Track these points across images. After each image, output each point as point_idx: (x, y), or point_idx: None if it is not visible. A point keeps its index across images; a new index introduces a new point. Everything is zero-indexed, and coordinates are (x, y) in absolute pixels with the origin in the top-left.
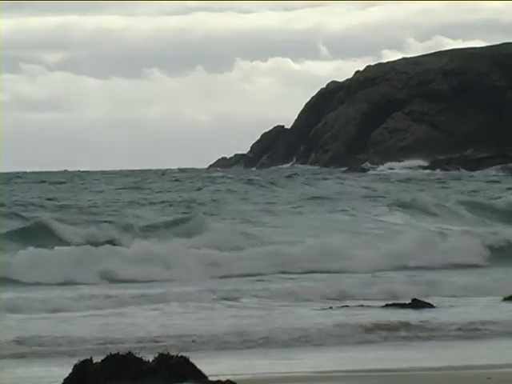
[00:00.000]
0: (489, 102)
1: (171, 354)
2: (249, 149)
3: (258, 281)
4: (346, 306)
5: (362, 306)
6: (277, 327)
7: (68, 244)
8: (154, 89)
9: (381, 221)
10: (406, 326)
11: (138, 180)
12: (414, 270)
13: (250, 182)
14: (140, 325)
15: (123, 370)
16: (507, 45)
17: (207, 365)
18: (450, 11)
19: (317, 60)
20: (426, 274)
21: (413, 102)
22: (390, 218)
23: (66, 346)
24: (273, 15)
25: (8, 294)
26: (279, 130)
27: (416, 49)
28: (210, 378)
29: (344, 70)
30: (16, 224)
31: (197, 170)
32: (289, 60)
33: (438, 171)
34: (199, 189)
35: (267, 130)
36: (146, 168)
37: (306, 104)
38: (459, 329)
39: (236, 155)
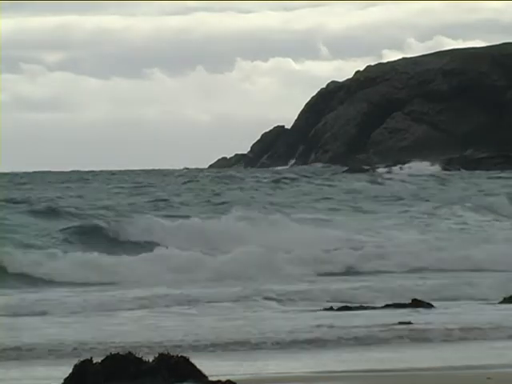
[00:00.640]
0: (489, 102)
1: (171, 354)
2: (249, 149)
3: None
4: (346, 306)
5: (362, 306)
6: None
7: None
8: (155, 89)
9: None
10: (406, 325)
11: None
12: None
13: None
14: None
15: (123, 370)
16: (507, 45)
17: (207, 365)
18: (450, 11)
19: (317, 60)
20: None
21: (413, 102)
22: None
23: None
24: (273, 15)
25: None
26: (279, 130)
27: (416, 49)
28: (210, 378)
29: (344, 69)
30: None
31: (199, 169)
32: (290, 60)
33: (453, 171)
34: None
35: (267, 130)
36: (147, 168)
37: (306, 104)
38: (461, 329)
39: (236, 155)
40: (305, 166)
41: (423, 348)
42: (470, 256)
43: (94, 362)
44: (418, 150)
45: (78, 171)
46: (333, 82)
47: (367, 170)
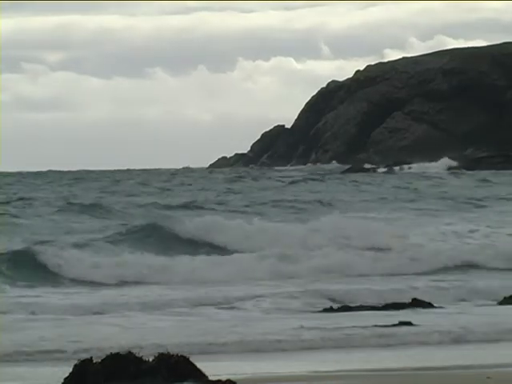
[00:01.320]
0: (489, 102)
1: (171, 353)
2: (249, 148)
3: None
4: (347, 306)
5: (362, 305)
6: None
7: None
8: (156, 88)
9: None
10: (406, 325)
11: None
12: None
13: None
14: None
15: (123, 370)
16: (507, 44)
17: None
18: (450, 11)
19: (319, 59)
20: None
21: (413, 102)
22: None
23: None
24: (274, 15)
25: None
26: (279, 129)
27: (418, 48)
28: (210, 378)
29: (346, 69)
30: None
31: (200, 169)
32: (291, 59)
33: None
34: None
35: (267, 130)
36: (147, 167)
37: (307, 103)
38: (461, 328)
39: (236, 155)
40: (313, 166)
41: (423, 348)
42: None
43: (94, 361)
44: (417, 150)
45: (85, 170)
46: (333, 81)
47: (368, 170)
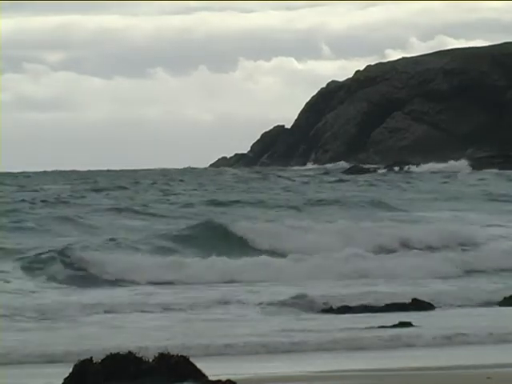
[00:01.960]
0: (489, 102)
1: (171, 353)
2: (249, 148)
3: None
4: (347, 305)
5: (362, 305)
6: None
7: None
8: (157, 88)
9: None
10: (405, 325)
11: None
12: None
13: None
14: None
15: (123, 370)
16: (508, 44)
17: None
18: (450, 11)
19: (320, 60)
20: None
21: (413, 102)
22: None
23: None
24: (275, 15)
25: None
26: (279, 129)
27: (419, 48)
28: (210, 378)
29: (348, 69)
30: None
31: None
32: (292, 59)
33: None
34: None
35: (267, 130)
36: (147, 168)
37: (307, 103)
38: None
39: (236, 155)
40: (330, 165)
41: (423, 348)
42: None
43: (94, 361)
44: (417, 150)
45: (89, 170)
46: (333, 81)
47: (368, 170)
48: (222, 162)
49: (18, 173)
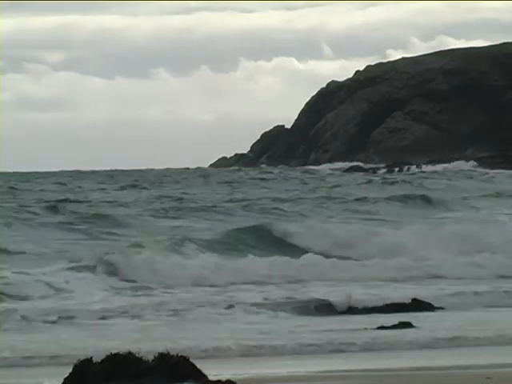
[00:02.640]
0: (489, 102)
1: (171, 353)
2: (249, 148)
3: None
4: (348, 307)
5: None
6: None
7: None
8: (157, 89)
9: None
10: (405, 325)
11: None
12: None
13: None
14: None
15: (123, 370)
16: (508, 44)
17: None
18: (450, 11)
19: (320, 60)
20: None
21: (413, 102)
22: None
23: None
24: (275, 15)
25: None
26: (279, 129)
27: (420, 48)
28: (210, 378)
29: (348, 69)
30: None
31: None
32: (293, 59)
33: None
34: None
35: (267, 130)
36: (149, 168)
37: (307, 103)
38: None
39: (236, 155)
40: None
41: (423, 348)
42: None
43: (94, 361)
44: (417, 150)
45: (92, 170)
46: (333, 81)
47: (367, 170)
48: (222, 162)
49: (26, 173)
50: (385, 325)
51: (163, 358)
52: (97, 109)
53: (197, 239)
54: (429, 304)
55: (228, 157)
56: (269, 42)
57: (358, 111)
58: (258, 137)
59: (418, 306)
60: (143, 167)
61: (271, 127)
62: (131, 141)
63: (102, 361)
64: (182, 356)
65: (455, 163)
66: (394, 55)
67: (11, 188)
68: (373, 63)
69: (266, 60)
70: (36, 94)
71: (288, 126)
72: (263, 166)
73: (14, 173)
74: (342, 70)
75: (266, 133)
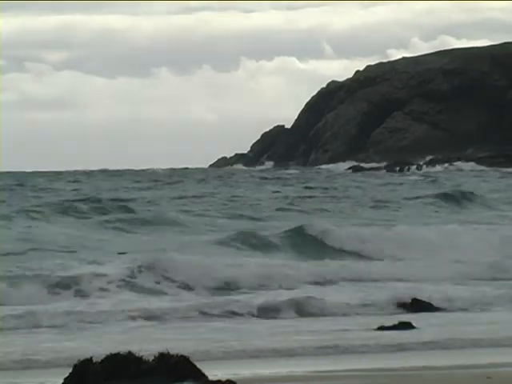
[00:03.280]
0: (489, 102)
1: (171, 353)
2: (249, 148)
3: None
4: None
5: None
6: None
7: None
8: (159, 88)
9: None
10: (405, 326)
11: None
12: None
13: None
14: None
15: (123, 370)
16: (508, 44)
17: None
18: (452, 11)
19: (322, 59)
20: None
21: (413, 102)
22: None
23: None
24: (277, 14)
25: None
26: (279, 129)
27: (421, 48)
28: (210, 378)
29: (350, 69)
30: None
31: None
32: (294, 59)
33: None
34: None
35: (267, 130)
36: (148, 167)
37: (307, 104)
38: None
39: (236, 155)
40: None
41: (423, 348)
42: None
43: (94, 361)
44: (417, 150)
45: (94, 170)
46: (333, 81)
47: (368, 170)
48: (222, 162)
49: (32, 172)
50: (385, 325)
51: (163, 357)
52: (98, 108)
53: None
54: (429, 304)
55: (228, 157)
56: (270, 41)
57: (358, 111)
58: (258, 137)
59: (418, 305)
60: (143, 167)
61: (271, 127)
62: (131, 141)
63: (102, 361)
64: (182, 356)
65: (456, 163)
66: (396, 55)
67: (40, 189)
68: (371, 63)
69: (267, 60)
70: (38, 93)
71: (288, 126)
72: (262, 166)
73: (16, 172)
74: (344, 69)
75: (266, 133)
